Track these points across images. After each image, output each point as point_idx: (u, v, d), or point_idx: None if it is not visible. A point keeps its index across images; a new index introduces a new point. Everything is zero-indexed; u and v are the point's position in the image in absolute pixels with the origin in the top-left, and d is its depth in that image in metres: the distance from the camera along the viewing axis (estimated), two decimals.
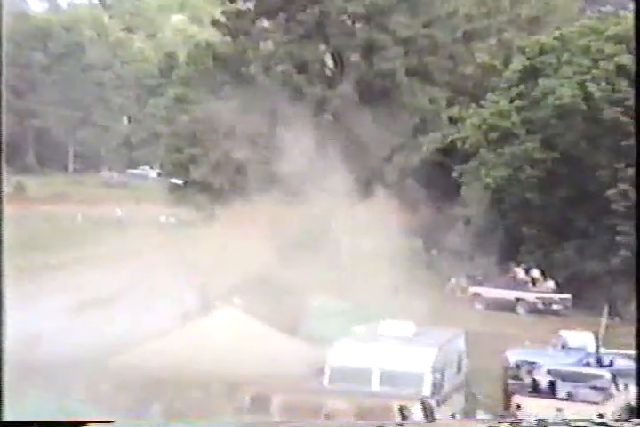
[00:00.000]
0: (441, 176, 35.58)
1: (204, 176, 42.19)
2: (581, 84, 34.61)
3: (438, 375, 18.16)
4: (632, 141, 22.08)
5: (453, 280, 37.75)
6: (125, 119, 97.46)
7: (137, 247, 49.20)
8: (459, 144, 35.27)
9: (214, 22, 36.24)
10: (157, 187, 76.10)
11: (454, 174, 35.96)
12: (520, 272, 36.31)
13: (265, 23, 36.35)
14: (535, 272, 36.09)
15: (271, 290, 31.89)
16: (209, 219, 62.29)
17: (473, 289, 36.29)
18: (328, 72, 35.97)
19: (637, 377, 17.63)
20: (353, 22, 35.82)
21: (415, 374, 17.83)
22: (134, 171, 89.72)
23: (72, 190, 74.66)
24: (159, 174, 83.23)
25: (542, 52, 37.53)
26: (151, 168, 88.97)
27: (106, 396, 19.42)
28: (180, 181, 68.08)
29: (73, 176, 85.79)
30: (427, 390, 17.65)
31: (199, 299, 31.97)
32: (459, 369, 20.53)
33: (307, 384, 18.30)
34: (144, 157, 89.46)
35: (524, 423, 16.49)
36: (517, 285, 35.77)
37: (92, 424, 14.92)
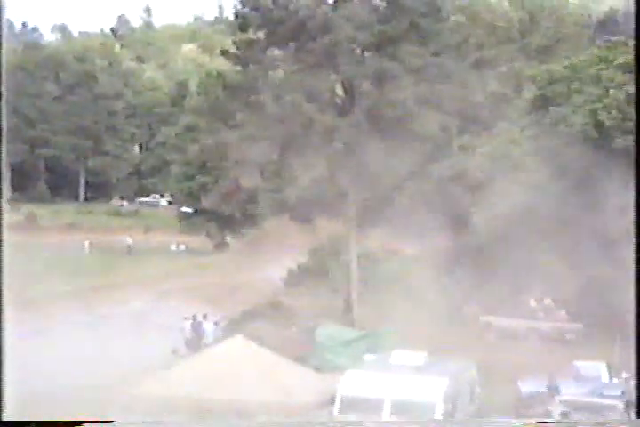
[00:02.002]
0: (452, 204, 35.50)
1: (215, 204, 42.17)
2: (593, 112, 34.63)
3: (450, 405, 17.94)
4: None
5: (466, 309, 37.51)
6: (136, 148, 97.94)
7: (147, 275, 49.33)
8: (470, 172, 35.26)
9: (224, 52, 36.37)
10: (168, 215, 76.34)
11: (465, 202, 35.87)
12: (532, 301, 36.13)
13: (275, 52, 36.48)
14: (547, 301, 35.89)
15: (281, 317, 31.77)
16: (219, 247, 62.45)
17: (484, 318, 36.04)
18: (338, 101, 35.99)
19: (637, 377, 17.29)
20: (363, 51, 35.90)
21: (427, 403, 17.63)
22: (145, 199, 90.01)
23: (83, 219, 74.95)
24: (170, 202, 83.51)
25: (552, 80, 37.64)
26: (162, 196, 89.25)
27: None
28: (190, 210, 68.33)
29: (84, 205, 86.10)
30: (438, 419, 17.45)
31: (207, 327, 31.90)
32: (471, 399, 20.31)
33: (316, 414, 18.11)
34: (155, 186, 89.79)
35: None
36: (529, 314, 35.55)
37: (92, 424, 14.78)
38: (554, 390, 22.99)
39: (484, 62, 36.30)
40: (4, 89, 13.49)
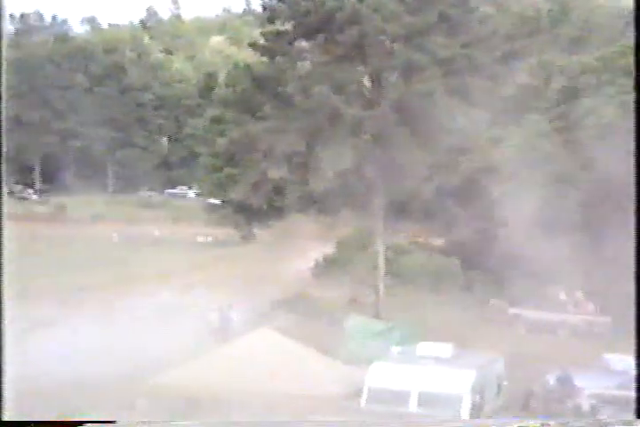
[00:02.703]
0: (480, 196, 35.34)
1: (242, 196, 42.22)
2: (624, 104, 34.35)
3: (478, 397, 17.88)
4: None
5: (493, 301, 37.34)
6: (164, 139, 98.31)
7: (174, 267, 49.51)
8: (498, 164, 35.08)
9: (252, 44, 36.33)
10: (195, 207, 76.58)
11: (494, 195, 35.72)
12: (562, 294, 35.86)
13: (303, 44, 36.38)
14: (578, 294, 35.61)
15: (308, 309, 31.81)
16: (246, 238, 62.58)
17: (512, 310, 35.79)
18: (366, 92, 35.85)
19: (637, 376, 17.11)
20: (391, 43, 35.71)
21: (454, 395, 17.58)
22: (172, 191, 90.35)
23: (111, 210, 75.29)
24: (197, 194, 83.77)
25: (583, 71, 37.31)
26: (189, 188, 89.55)
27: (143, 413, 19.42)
28: (217, 201, 68.49)
29: (112, 196, 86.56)
30: (465, 413, 17.39)
31: (235, 318, 32.00)
32: (498, 392, 20.22)
33: (344, 405, 18.13)
34: (182, 177, 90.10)
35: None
36: (558, 306, 35.28)
37: (92, 424, 14.87)
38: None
39: (514, 54, 35.98)
40: (4, 89, 13.54)
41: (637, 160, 17.32)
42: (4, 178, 13.34)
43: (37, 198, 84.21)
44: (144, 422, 16.00)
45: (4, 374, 12.88)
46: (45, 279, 41.91)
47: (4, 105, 13.48)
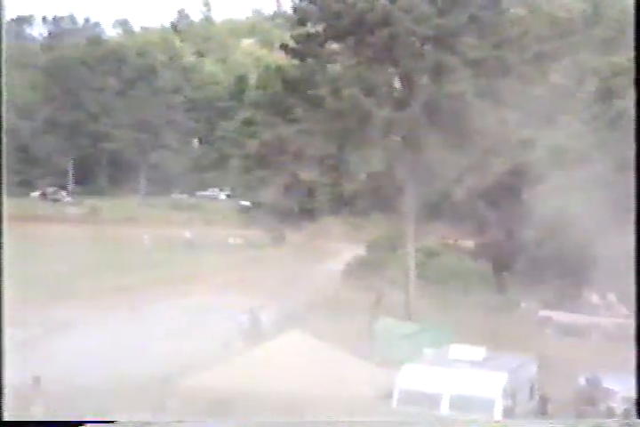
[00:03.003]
0: (511, 198, 35.18)
1: (273, 198, 42.39)
2: None
3: (510, 401, 17.80)
4: None
5: (524, 304, 37.13)
6: (196, 142, 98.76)
7: (205, 269, 49.77)
8: (530, 166, 34.89)
9: (283, 46, 36.44)
10: (226, 209, 76.88)
11: (525, 197, 35.53)
12: (594, 297, 35.55)
13: (334, 46, 36.43)
14: (610, 297, 35.27)
15: (339, 311, 31.83)
16: (277, 240, 62.71)
17: (543, 313, 35.49)
18: (396, 94, 35.81)
19: (637, 375, 16.89)
20: (422, 44, 35.65)
21: (486, 399, 17.52)
22: (204, 193, 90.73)
23: (143, 212, 75.77)
24: (228, 196, 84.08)
25: (616, 73, 37.00)
26: (221, 190, 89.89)
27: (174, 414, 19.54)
28: (248, 203, 68.76)
29: (144, 198, 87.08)
30: (498, 416, 17.32)
31: (265, 320, 32.09)
32: (531, 395, 20.12)
33: (375, 407, 18.13)
34: (214, 179, 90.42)
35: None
36: (591, 309, 34.96)
37: (92, 424, 14.95)
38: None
39: (545, 55, 35.79)
40: (4, 88, 13.65)
41: (637, 160, 17.16)
42: (4, 178, 13.44)
43: (70, 200, 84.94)
44: (145, 423, 16.07)
45: (4, 374, 12.97)
46: (78, 281, 42.29)
47: (4, 105, 13.59)
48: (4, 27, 14.32)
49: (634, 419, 19.13)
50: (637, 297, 17.00)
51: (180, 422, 16.00)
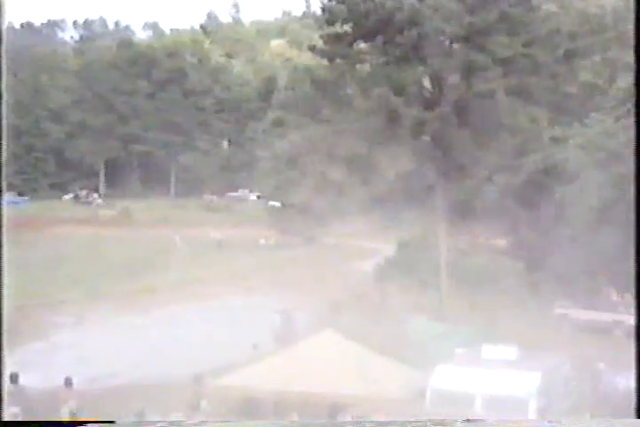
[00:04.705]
0: (543, 197, 34.91)
1: (303, 198, 42.40)
2: None
3: (544, 401, 17.67)
4: None
5: (557, 304, 36.76)
6: (225, 143, 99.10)
7: (236, 270, 49.90)
8: (561, 164, 34.61)
9: (312, 47, 36.48)
10: (257, 209, 77.02)
11: (557, 195, 35.26)
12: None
13: (362, 46, 36.39)
14: (628, 296, 34.80)
15: (371, 311, 31.78)
16: (308, 241, 62.70)
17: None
18: (426, 94, 35.71)
19: (637, 374, 16.64)
20: (451, 43, 35.52)
21: (520, 398, 17.40)
22: (234, 194, 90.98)
23: (174, 214, 76.15)
24: (259, 197, 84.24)
25: None
26: (250, 191, 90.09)
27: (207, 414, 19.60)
28: (278, 204, 68.76)
29: (175, 200, 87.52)
30: (532, 416, 17.20)
31: (297, 320, 32.12)
32: (565, 395, 19.94)
33: (408, 407, 18.07)
34: (243, 181, 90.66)
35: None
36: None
37: (92, 424, 14.97)
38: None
39: (576, 52, 35.53)
40: (4, 88, 13.71)
41: (637, 159, 16.97)
42: (4, 178, 13.51)
43: (102, 203, 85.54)
44: (145, 423, 16.09)
45: (3, 374, 13.01)
46: (110, 282, 42.62)
47: (4, 105, 13.66)
48: (5, 27, 14.38)
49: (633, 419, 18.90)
50: (637, 297, 16.81)
51: (202, 422, 16.00)
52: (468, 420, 13.96)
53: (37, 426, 15.11)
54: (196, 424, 13.83)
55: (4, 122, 13.56)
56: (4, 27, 14.48)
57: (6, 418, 19.09)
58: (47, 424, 15.56)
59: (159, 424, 15.32)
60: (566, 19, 37.79)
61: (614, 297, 35.03)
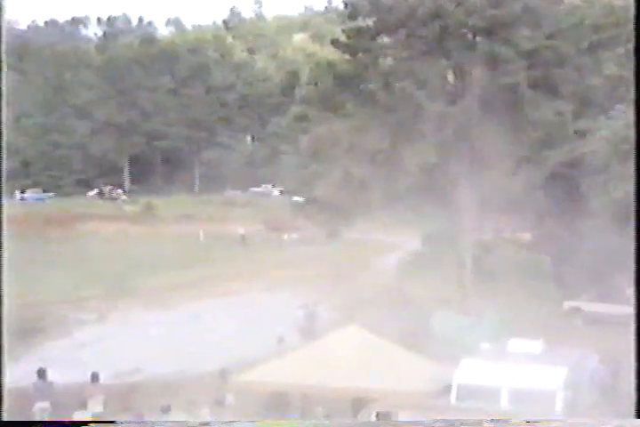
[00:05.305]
0: (568, 190, 34.71)
1: (326, 193, 42.37)
2: None
3: (571, 395, 17.56)
4: None
5: (583, 296, 36.51)
6: (248, 138, 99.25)
7: (261, 265, 50.00)
8: (587, 157, 34.39)
9: (334, 41, 36.42)
10: (280, 205, 77.11)
11: (582, 188, 35.04)
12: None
13: (385, 40, 36.30)
14: None
15: (395, 306, 31.74)
16: (331, 236, 62.67)
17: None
18: (449, 87, 35.57)
19: (637, 374, 16.43)
20: (474, 36, 35.34)
21: (547, 392, 17.31)
22: (257, 189, 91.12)
23: (198, 210, 76.41)
24: (281, 192, 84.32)
25: None
26: (273, 186, 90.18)
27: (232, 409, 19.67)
28: (301, 199, 68.80)
29: (199, 196, 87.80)
30: (559, 410, 17.11)
31: (321, 315, 32.15)
32: (592, 389, 19.80)
33: (433, 402, 18.02)
34: (266, 176, 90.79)
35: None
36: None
37: (93, 424, 15.02)
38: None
39: (601, 44, 35.24)
40: (4, 87, 13.75)
41: (637, 159, 16.79)
42: (4, 178, 13.56)
43: (126, 199, 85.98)
44: (147, 423, 16.10)
45: (4, 374, 13.06)
46: (135, 278, 42.82)
47: (4, 104, 13.71)
48: (5, 27, 14.43)
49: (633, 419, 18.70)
50: (637, 296, 16.64)
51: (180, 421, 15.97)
52: (493, 420, 13.89)
53: (37, 426, 15.16)
54: (201, 424, 13.84)
55: (4, 121, 13.64)
56: (4, 25, 14.53)
57: (36, 413, 19.30)
58: (47, 424, 15.62)
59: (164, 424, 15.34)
60: (590, 11, 37.49)
61: (628, 291, 34.68)
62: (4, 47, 13.91)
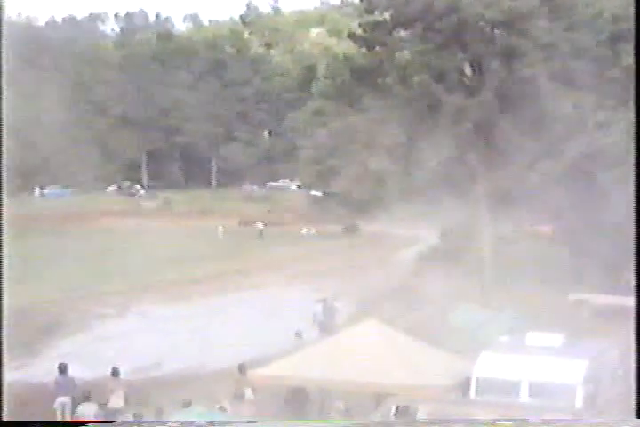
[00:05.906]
0: (587, 183, 34.52)
1: (344, 188, 42.38)
2: None
3: (591, 388, 17.47)
4: None
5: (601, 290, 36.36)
6: (266, 133, 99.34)
7: (279, 260, 50.10)
8: (606, 150, 34.18)
9: (351, 35, 36.35)
10: (297, 199, 77.18)
11: (603, 181, 34.85)
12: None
13: (402, 33, 36.18)
14: None
15: (414, 300, 31.71)
16: (349, 230, 62.68)
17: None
18: (467, 80, 35.43)
19: (637, 374, 16.30)
20: (492, 29, 35.16)
21: (567, 385, 17.21)
22: (275, 184, 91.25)
23: (215, 205, 76.62)
24: (299, 187, 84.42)
25: None
26: (291, 181, 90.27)
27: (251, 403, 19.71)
28: (319, 193, 68.94)
29: (216, 191, 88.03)
30: (579, 403, 17.01)
31: (340, 309, 32.14)
32: (613, 382, 19.67)
33: (452, 396, 17.97)
34: (284, 170, 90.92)
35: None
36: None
37: (93, 424, 15.03)
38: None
39: (620, 36, 34.96)
40: (4, 86, 13.75)
41: (638, 159, 16.62)
42: (4, 178, 13.56)
43: (145, 194, 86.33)
44: (142, 423, 16.13)
45: (3, 373, 13.08)
46: (154, 273, 43.01)
47: (4, 103, 13.73)
48: (5, 27, 14.45)
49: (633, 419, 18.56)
50: (637, 295, 16.50)
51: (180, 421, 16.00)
52: (513, 420, 13.85)
53: (38, 426, 15.20)
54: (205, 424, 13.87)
55: (4, 121, 13.67)
56: (3, 25, 14.56)
57: (57, 408, 19.40)
58: (47, 424, 15.65)
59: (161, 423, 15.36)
60: (609, 2, 37.22)
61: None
62: (4, 47, 13.94)
